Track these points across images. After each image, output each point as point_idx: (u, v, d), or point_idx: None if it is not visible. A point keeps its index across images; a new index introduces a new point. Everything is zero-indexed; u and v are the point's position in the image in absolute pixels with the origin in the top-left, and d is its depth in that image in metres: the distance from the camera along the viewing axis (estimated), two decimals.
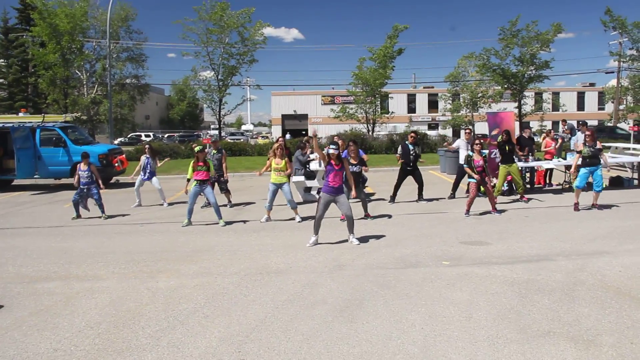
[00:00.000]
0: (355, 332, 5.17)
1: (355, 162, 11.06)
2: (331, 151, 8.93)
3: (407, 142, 13.28)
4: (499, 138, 13.68)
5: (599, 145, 11.85)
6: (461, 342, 4.87)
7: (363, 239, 9.21)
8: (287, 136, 42.61)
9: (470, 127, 14.00)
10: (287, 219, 11.41)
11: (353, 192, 9.61)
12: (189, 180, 11.17)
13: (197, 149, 11.24)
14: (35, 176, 18.23)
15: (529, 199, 13.20)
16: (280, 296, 6.30)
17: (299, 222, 11.12)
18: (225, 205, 13.01)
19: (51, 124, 18.55)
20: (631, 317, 5.40)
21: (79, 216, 12.19)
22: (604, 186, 12.45)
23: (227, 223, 11.07)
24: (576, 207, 11.73)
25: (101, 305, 6.13)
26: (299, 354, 4.71)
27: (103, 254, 8.73)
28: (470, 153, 11.63)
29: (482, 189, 11.97)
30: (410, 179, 13.21)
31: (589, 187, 12.29)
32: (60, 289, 6.84)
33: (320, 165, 14.15)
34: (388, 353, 4.70)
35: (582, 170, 11.76)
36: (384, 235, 9.57)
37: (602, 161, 11.97)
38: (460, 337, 5.00)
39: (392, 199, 13.36)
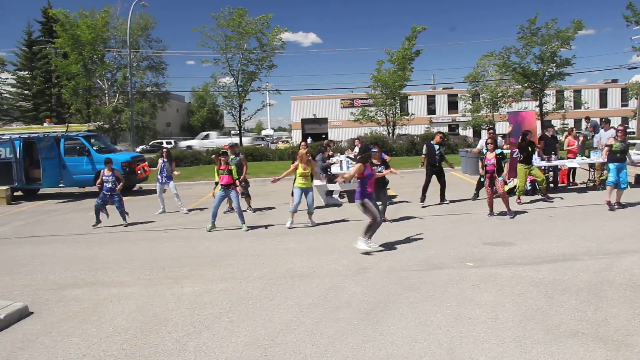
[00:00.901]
0: (381, 334, 5.16)
1: (378, 163, 11.02)
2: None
3: (432, 142, 13.23)
4: (520, 139, 13.52)
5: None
6: (487, 344, 4.84)
7: (386, 242, 9.17)
8: (309, 140, 42.56)
9: (492, 126, 13.91)
10: (303, 225, 11.40)
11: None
12: (217, 183, 11.25)
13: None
14: (60, 185, 18.53)
15: (552, 198, 13.01)
16: (304, 300, 6.32)
17: (311, 226, 11.13)
18: (245, 210, 13.06)
19: (75, 134, 18.83)
20: None
21: (98, 222, 12.30)
22: (630, 183, 12.25)
23: (250, 228, 11.12)
24: (610, 205, 11.51)
25: (128, 311, 6.21)
26: (324, 357, 4.72)
27: (128, 260, 8.84)
28: (484, 151, 11.58)
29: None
30: (434, 180, 13.16)
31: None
32: (88, 295, 6.94)
33: (341, 169, 14.17)
34: (414, 355, 4.69)
35: (612, 166, 11.62)
36: (407, 238, 9.53)
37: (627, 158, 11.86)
38: (487, 338, 4.96)
39: (423, 200, 13.32)
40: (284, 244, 9.59)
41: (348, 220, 11.59)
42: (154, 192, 19.32)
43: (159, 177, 13.87)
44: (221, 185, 11.05)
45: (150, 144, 57.12)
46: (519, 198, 12.95)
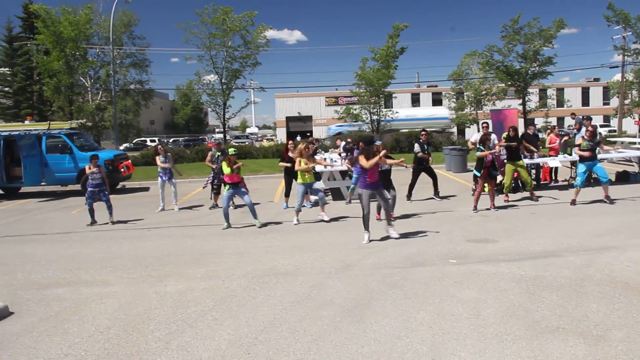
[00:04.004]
0: (364, 332, 5.17)
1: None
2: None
3: (420, 140, 13.41)
4: (504, 135, 13.63)
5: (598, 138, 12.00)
6: (470, 340, 4.88)
7: (370, 239, 9.18)
8: (298, 138, 42.22)
9: (487, 122, 14.08)
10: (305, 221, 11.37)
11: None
12: (213, 179, 11.28)
13: (231, 151, 11.22)
14: (42, 183, 18.32)
15: (538, 197, 13.04)
16: (288, 297, 6.32)
17: (327, 221, 11.16)
18: (215, 206, 13.63)
19: (57, 131, 18.62)
20: None
21: (94, 222, 12.16)
22: (611, 180, 12.41)
23: (233, 226, 11.08)
24: (573, 202, 11.87)
25: (110, 310, 6.16)
26: (307, 355, 4.73)
27: (111, 259, 8.77)
28: (482, 147, 11.68)
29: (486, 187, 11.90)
30: (423, 177, 13.38)
31: (590, 182, 12.29)
32: (70, 294, 6.88)
33: (325, 167, 14.16)
34: (397, 352, 4.71)
35: (581, 167, 11.84)
36: (390, 235, 9.55)
37: (600, 151, 12.12)
38: (469, 334, 5.00)
39: (409, 197, 13.54)
40: (267, 242, 9.57)
41: (333, 218, 11.59)
42: (137, 190, 19.24)
43: (162, 174, 13.80)
44: (229, 184, 10.99)
45: (134, 142, 56.74)
46: (506, 195, 13.00)
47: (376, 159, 9.00)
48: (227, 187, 11.05)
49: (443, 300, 5.97)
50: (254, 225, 11.08)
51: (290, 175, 12.61)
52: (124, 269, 8.05)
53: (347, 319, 5.52)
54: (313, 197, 13.98)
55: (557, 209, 11.68)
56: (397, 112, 35.32)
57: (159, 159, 13.72)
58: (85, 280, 7.56)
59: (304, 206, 11.92)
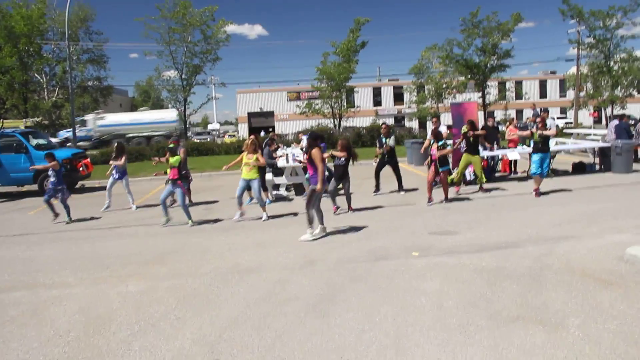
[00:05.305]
0: (328, 326, 5.18)
1: (341, 156, 11.07)
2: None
3: (381, 134, 13.53)
4: (463, 128, 13.80)
5: (549, 132, 12.22)
6: (433, 331, 4.93)
7: (333, 234, 9.23)
8: (262, 134, 41.86)
9: (436, 117, 14.28)
10: (256, 218, 11.31)
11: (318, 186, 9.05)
12: (165, 173, 11.17)
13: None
14: None
15: (488, 190, 13.20)
16: (252, 294, 6.28)
17: (265, 220, 11.04)
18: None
19: (11, 130, 18.11)
20: (595, 298, 5.55)
21: (56, 215, 12.17)
22: (567, 171, 12.70)
23: (197, 223, 10.97)
24: (537, 193, 12.01)
25: (70, 313, 6.02)
26: (272, 351, 4.71)
27: (71, 260, 8.57)
28: (432, 141, 11.93)
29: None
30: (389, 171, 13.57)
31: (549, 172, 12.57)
32: (27, 298, 6.69)
33: (287, 162, 14.13)
34: (361, 345, 4.73)
35: (535, 157, 12.07)
36: (354, 229, 9.60)
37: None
38: (432, 326, 5.06)
39: (376, 188, 13.71)
40: (230, 239, 9.50)
41: (296, 214, 11.56)
42: (97, 189, 18.85)
43: (113, 172, 13.71)
44: (170, 180, 10.92)
45: (92, 140, 55.58)
46: (457, 187, 13.17)
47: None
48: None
49: (406, 293, 6.03)
50: (216, 221, 11.00)
51: (261, 169, 12.26)
52: (85, 270, 7.87)
53: (312, 314, 5.52)
54: (275, 192, 13.95)
55: (517, 200, 11.91)
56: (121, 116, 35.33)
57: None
58: (44, 282, 7.37)
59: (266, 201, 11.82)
